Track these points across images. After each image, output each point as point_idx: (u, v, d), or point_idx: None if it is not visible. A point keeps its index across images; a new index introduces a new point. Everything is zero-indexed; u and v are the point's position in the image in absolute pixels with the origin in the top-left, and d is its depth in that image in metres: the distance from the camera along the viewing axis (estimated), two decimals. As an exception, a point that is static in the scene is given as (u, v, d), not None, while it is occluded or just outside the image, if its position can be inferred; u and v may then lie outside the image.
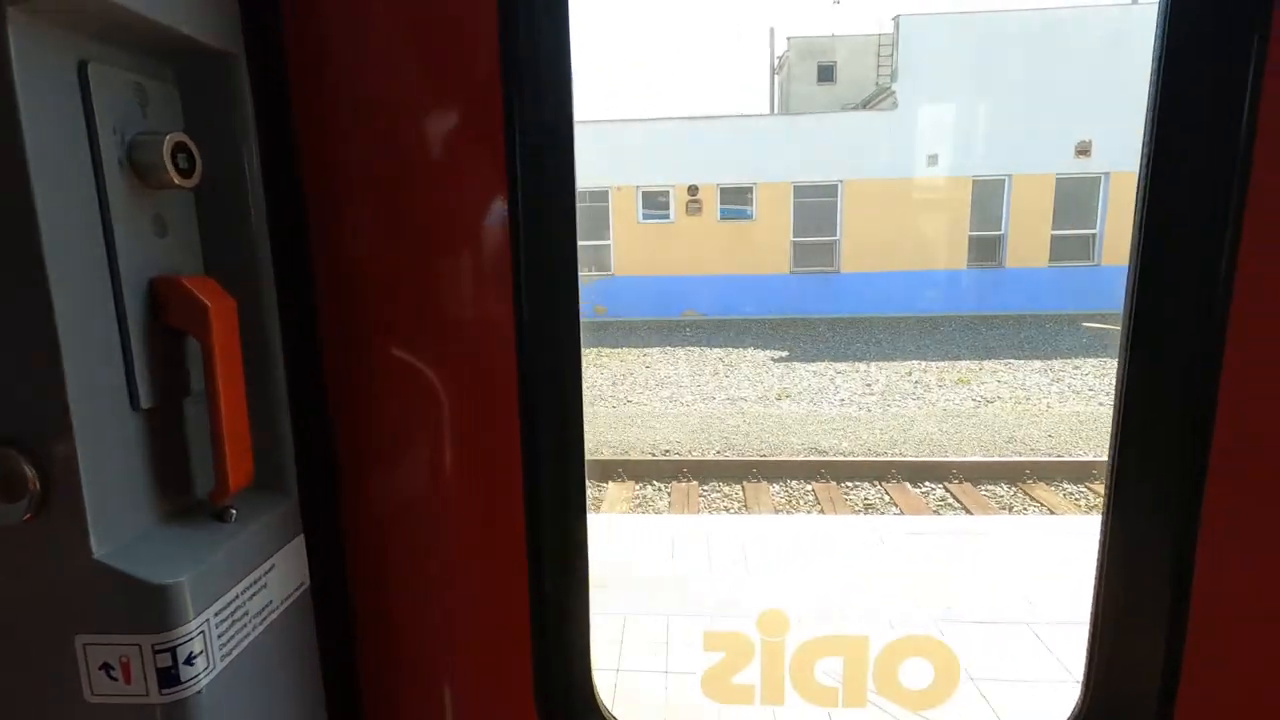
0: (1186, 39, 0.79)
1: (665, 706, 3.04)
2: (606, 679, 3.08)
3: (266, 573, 0.83)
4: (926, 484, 6.50)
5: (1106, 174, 15.56)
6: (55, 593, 0.68)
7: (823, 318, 16.33)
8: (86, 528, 0.66)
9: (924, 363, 11.91)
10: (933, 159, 16.09)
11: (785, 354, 13.04)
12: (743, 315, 16.63)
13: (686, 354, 13.17)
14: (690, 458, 7.21)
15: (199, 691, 0.71)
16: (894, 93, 16.13)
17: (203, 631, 0.72)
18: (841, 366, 11.83)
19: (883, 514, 5.97)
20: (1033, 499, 6.17)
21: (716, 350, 13.39)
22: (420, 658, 1.03)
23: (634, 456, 7.32)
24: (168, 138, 0.71)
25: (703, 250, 16.99)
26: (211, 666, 0.73)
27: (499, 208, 0.88)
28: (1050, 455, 7.15)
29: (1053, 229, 16.06)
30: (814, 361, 12.30)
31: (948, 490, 6.35)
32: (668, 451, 7.51)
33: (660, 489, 6.52)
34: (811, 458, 7.12)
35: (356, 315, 0.93)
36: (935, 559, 4.44)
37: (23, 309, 0.63)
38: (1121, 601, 0.94)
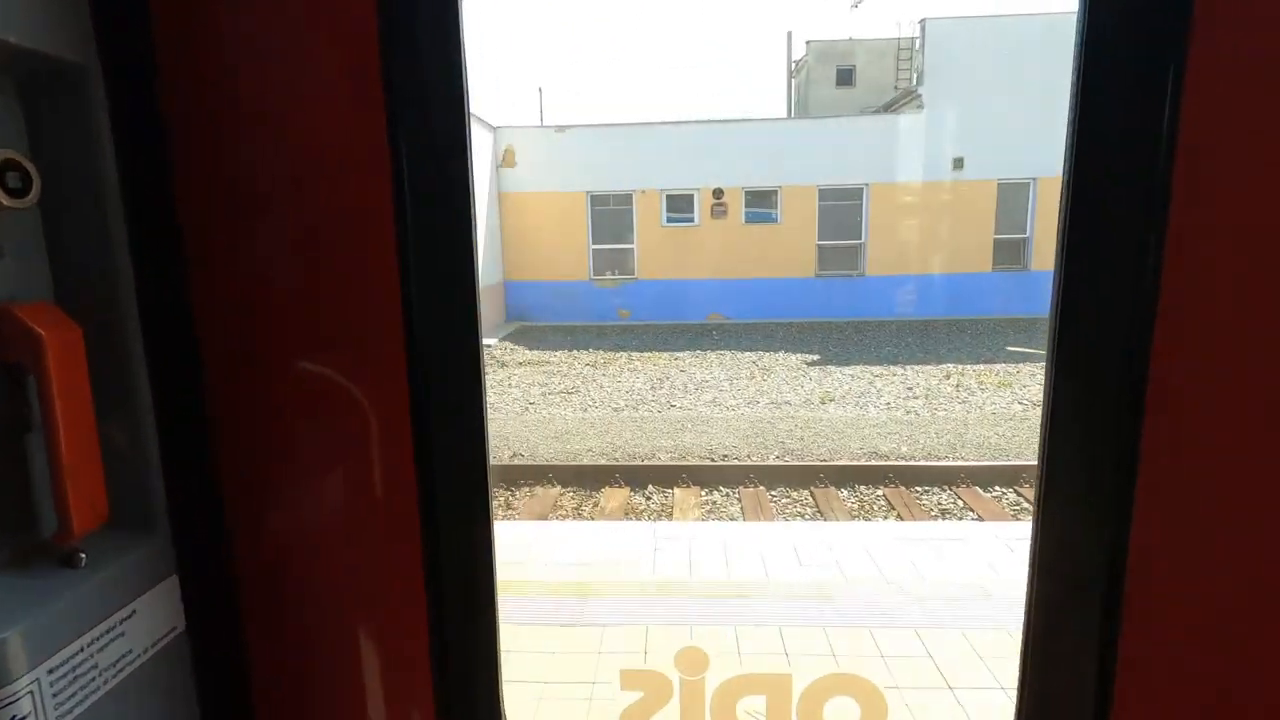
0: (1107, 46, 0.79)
1: None
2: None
3: (124, 620, 0.77)
4: (996, 488, 6.43)
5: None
6: None
7: (849, 321, 16.29)
8: None
9: (960, 366, 11.85)
10: (958, 162, 16.07)
11: (817, 357, 12.98)
12: (768, 319, 16.58)
13: (718, 358, 13.11)
14: (750, 462, 7.14)
15: None
16: (919, 95, 16.13)
17: (31, 691, 0.65)
18: (877, 370, 11.78)
19: (960, 519, 5.90)
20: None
21: (748, 354, 13.33)
22: (316, 694, 0.99)
23: (692, 462, 7.24)
24: None
25: (728, 254, 16.94)
26: None
27: (385, 216, 0.85)
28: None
29: (1077, 232, 15.96)
30: (848, 365, 12.24)
31: (1019, 495, 6.28)
32: (726, 456, 7.44)
33: (728, 495, 6.45)
34: (874, 462, 7.06)
35: (239, 336, 0.89)
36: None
37: None
38: (1053, 607, 0.93)
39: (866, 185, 16.61)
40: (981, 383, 10.70)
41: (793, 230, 16.98)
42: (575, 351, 13.73)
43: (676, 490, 6.50)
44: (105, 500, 0.76)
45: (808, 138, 16.76)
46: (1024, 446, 7.63)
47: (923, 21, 15.72)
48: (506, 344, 14.45)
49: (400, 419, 0.89)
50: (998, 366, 11.76)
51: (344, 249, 0.88)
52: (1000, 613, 3.59)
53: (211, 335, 0.89)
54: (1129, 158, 0.80)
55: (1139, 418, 0.83)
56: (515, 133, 16.96)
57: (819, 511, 6.03)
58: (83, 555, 0.74)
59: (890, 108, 18.29)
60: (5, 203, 0.68)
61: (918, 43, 16.87)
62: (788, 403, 9.77)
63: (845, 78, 22.78)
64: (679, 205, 17.09)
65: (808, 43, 23.59)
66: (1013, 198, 16.31)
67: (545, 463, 7.20)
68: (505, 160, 16.81)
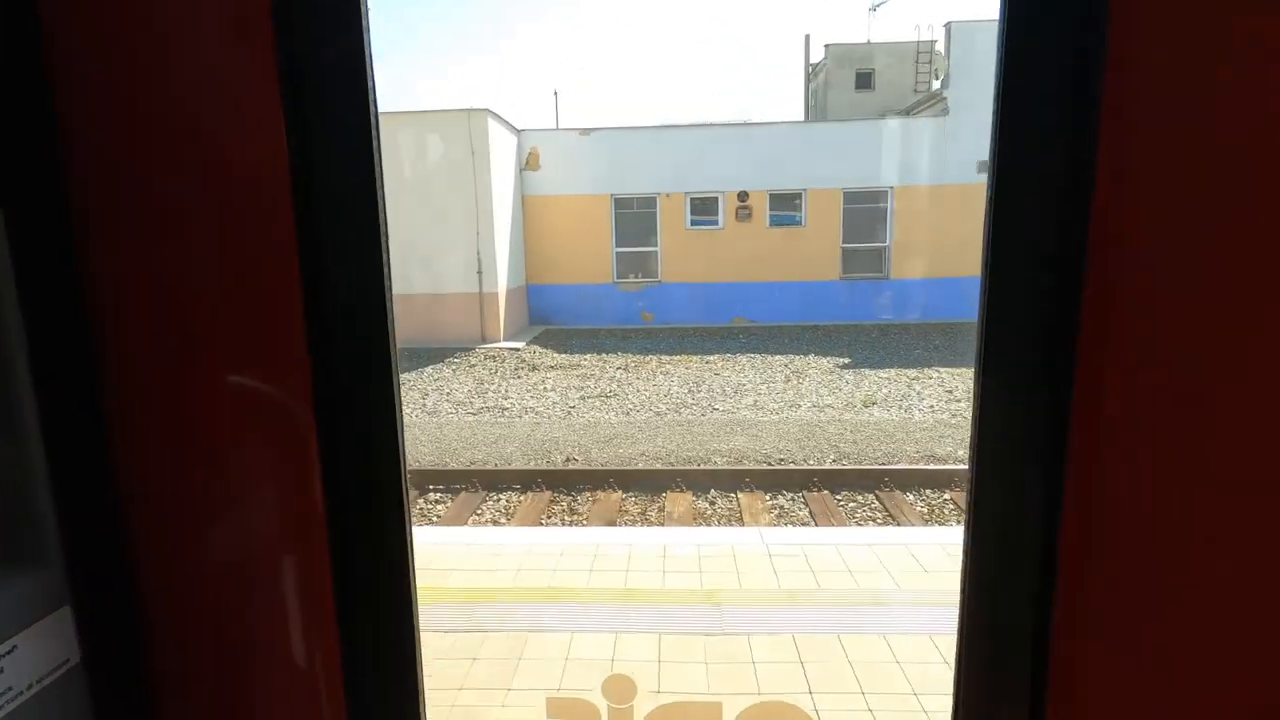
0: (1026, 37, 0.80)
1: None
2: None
3: (2, 656, 0.74)
4: (1061, 493, 6.40)
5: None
6: None
7: (875, 324, 16.26)
8: None
9: (994, 369, 11.82)
10: (983, 165, 16.03)
11: (848, 360, 12.95)
12: (793, 321, 16.56)
13: (749, 360, 13.08)
14: (809, 466, 7.11)
15: None
16: (944, 99, 16.13)
17: None
18: (912, 373, 11.75)
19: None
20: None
21: (778, 357, 13.30)
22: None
23: (749, 466, 7.21)
24: None
25: (752, 257, 16.92)
26: None
27: (285, 219, 0.82)
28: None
29: (1102, 235, 15.97)
30: (882, 368, 12.21)
31: (1086, 499, 6.25)
32: (782, 460, 7.41)
33: (793, 499, 6.41)
34: (932, 465, 7.03)
35: (138, 349, 0.86)
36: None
37: None
38: (987, 614, 0.92)
39: (891, 188, 16.60)
40: (1020, 386, 10.66)
41: (817, 233, 16.96)
42: (604, 355, 13.69)
43: (741, 495, 6.47)
44: None
45: (833, 140, 16.76)
46: (1080, 450, 7.59)
47: (948, 24, 15.73)
48: (534, 347, 14.41)
49: (307, 428, 0.87)
50: (1033, 369, 11.72)
51: (244, 254, 0.85)
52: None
53: (109, 349, 0.85)
54: (1050, 155, 0.81)
55: (1066, 415, 0.83)
56: (539, 136, 16.94)
57: (890, 516, 6.00)
58: None
59: (913, 111, 18.29)
60: None
61: (941, 46, 16.87)
62: (830, 406, 9.74)
63: (864, 81, 22.77)
64: (703, 208, 17.07)
65: (826, 46, 23.59)
66: (1037, 200, 16.27)
67: (600, 467, 7.17)
68: (530, 163, 16.79)
